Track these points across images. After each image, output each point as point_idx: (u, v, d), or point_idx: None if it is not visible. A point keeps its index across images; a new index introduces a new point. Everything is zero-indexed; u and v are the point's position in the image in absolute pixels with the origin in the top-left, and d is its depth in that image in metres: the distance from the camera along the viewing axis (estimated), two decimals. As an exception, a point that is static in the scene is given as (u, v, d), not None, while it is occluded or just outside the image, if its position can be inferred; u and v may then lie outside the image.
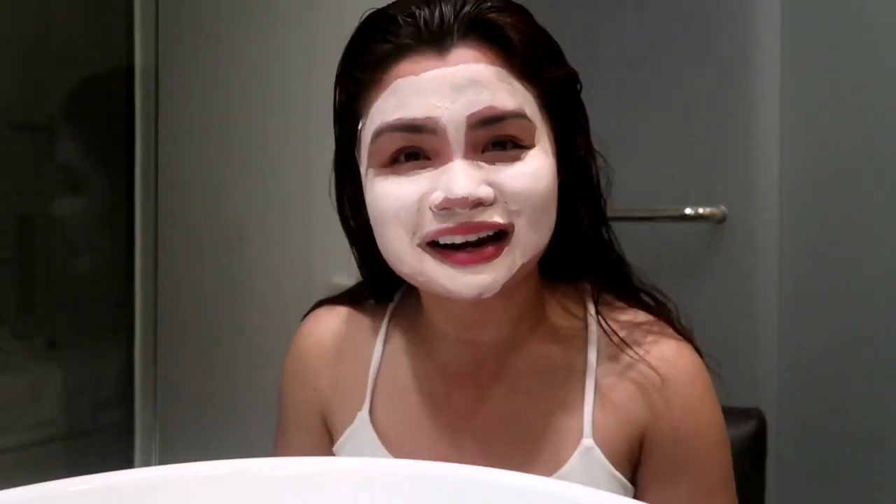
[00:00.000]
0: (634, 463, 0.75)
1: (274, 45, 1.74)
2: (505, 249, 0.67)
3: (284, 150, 1.67)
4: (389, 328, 0.83)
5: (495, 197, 0.67)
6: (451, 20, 0.69)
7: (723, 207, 1.50)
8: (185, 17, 1.96)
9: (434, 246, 0.68)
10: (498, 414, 0.77)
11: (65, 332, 2.15)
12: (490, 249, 0.67)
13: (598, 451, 0.73)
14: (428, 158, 0.68)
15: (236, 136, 1.83)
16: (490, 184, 0.67)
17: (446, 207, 0.66)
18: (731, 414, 1.11)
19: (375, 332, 0.83)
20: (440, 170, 0.67)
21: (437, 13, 0.69)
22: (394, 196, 0.68)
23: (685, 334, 0.78)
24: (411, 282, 0.72)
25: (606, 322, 0.76)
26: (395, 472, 0.52)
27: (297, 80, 1.65)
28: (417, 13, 0.69)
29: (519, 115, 0.68)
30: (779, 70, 1.45)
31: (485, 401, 0.77)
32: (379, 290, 0.85)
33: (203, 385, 1.93)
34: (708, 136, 1.52)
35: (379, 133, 0.69)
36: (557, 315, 0.79)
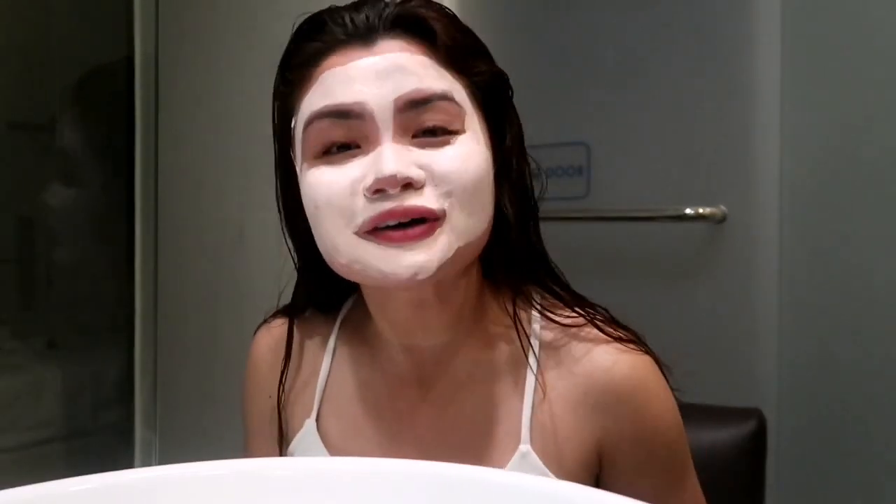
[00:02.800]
0: (593, 468, 0.75)
1: (275, 42, 1.74)
2: (437, 230, 0.67)
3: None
4: (338, 339, 0.84)
5: (426, 180, 0.67)
6: (377, 19, 0.71)
7: (723, 207, 1.50)
8: (184, 12, 1.96)
9: (370, 231, 0.68)
10: (439, 420, 0.77)
11: (65, 332, 2.15)
12: (421, 228, 0.66)
13: (534, 457, 0.73)
14: (359, 146, 0.69)
15: (236, 135, 1.83)
16: (420, 166, 0.67)
17: (378, 189, 0.66)
18: (731, 414, 1.11)
19: (325, 342, 0.84)
20: (371, 155, 0.68)
21: (363, 16, 0.71)
22: (326, 184, 0.68)
23: (626, 334, 0.76)
24: (347, 274, 0.71)
25: (551, 320, 0.76)
26: (395, 472, 0.51)
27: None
28: (346, 16, 0.72)
29: (447, 98, 0.69)
30: (779, 70, 1.45)
31: (427, 407, 0.78)
32: (322, 299, 0.86)
33: (203, 385, 1.93)
34: (708, 136, 1.52)
35: (309, 122, 0.70)
36: (499, 320, 0.78)
